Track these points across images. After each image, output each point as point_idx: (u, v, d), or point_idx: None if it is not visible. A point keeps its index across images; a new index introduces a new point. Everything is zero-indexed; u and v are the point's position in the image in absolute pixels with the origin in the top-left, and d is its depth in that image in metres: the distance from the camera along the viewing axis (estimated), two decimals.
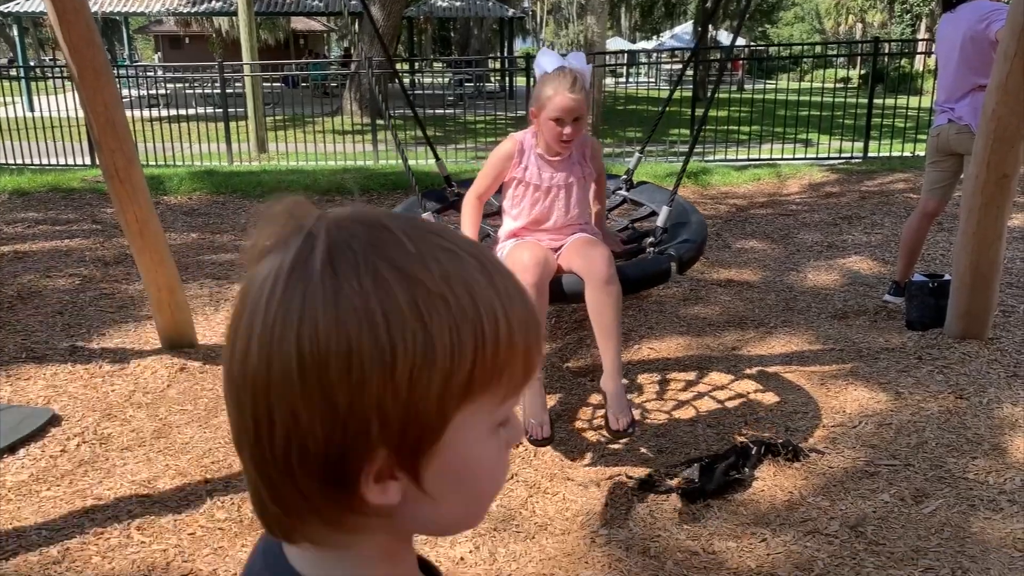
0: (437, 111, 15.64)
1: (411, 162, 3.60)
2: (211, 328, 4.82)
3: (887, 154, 10.26)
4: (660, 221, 3.63)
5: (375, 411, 0.54)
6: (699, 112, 11.48)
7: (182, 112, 13.04)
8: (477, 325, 0.56)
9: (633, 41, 44.53)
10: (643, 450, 3.47)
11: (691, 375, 4.16)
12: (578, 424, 3.70)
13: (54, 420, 3.73)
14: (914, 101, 12.71)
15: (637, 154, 4.24)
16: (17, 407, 3.81)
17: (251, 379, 0.56)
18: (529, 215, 3.45)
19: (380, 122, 11.49)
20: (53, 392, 4.02)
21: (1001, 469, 3.20)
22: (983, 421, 3.56)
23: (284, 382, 0.55)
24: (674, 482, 3.15)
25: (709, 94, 3.97)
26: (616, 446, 3.48)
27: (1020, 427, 3.50)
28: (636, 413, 3.76)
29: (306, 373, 0.54)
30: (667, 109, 4.63)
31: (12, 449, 3.48)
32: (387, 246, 0.56)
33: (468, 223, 3.40)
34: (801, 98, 13.80)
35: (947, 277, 4.53)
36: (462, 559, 2.81)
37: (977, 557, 2.72)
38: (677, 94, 5.71)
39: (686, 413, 3.78)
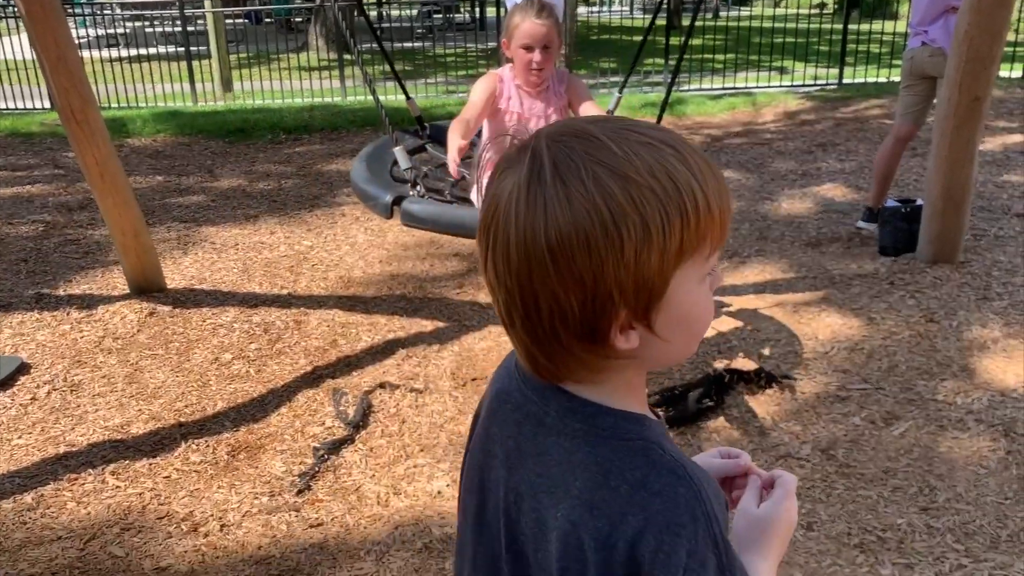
0: (406, 44, 15.30)
1: (380, 98, 3.50)
2: (180, 272, 4.75)
3: (862, 80, 10.19)
4: None
5: (614, 283, 0.72)
6: (674, 41, 11.30)
7: (143, 52, 12.65)
8: (681, 204, 0.72)
9: None
10: None
11: None
12: None
13: (23, 368, 3.68)
14: (889, 26, 12.59)
15: (616, 94, 4.14)
16: None
17: (515, 272, 0.74)
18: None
19: (348, 57, 11.23)
20: (21, 340, 3.96)
21: (969, 390, 3.24)
22: (952, 344, 3.59)
23: (542, 270, 0.72)
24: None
25: (688, 23, 3.88)
26: None
27: (988, 349, 3.54)
28: None
29: (558, 262, 0.71)
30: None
31: None
32: (599, 152, 0.72)
33: (453, 136, 3.25)
34: (776, 25, 13.63)
35: (919, 202, 4.53)
36: (439, 492, 2.83)
37: (944, 475, 2.77)
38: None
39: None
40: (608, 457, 0.77)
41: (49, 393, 3.50)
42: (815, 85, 10.28)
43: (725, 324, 3.93)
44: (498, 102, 3.32)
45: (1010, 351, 3.51)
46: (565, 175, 0.71)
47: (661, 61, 10.98)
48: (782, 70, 11.34)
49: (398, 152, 3.30)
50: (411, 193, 3.14)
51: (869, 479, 2.77)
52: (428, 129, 4.03)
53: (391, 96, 7.71)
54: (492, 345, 3.77)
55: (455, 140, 3.18)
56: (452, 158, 3.00)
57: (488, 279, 0.78)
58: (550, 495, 0.79)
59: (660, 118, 3.63)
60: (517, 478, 0.83)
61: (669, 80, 3.89)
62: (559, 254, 0.71)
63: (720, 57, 12.14)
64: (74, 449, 3.12)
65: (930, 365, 3.44)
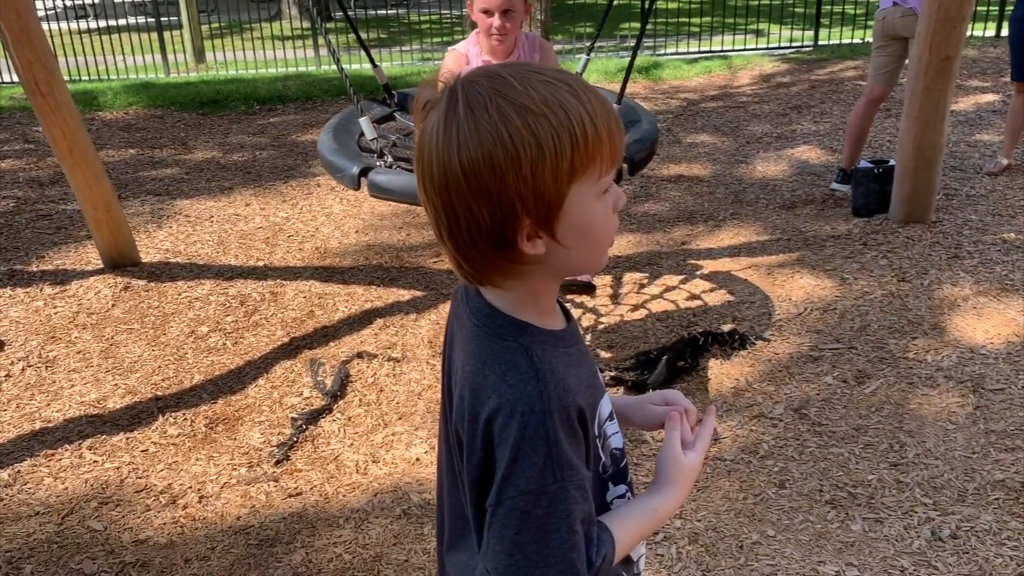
0: (380, 12, 15.11)
1: (354, 66, 3.48)
2: (154, 245, 4.72)
3: (837, 41, 10.18)
4: None
5: (516, 195, 0.87)
6: (659, 5, 11.21)
7: (112, 23, 12.43)
8: (571, 128, 0.86)
9: None
10: (594, 347, 3.50)
11: (642, 273, 4.18)
12: None
13: None
14: None
15: (584, 57, 4.11)
16: None
17: (438, 191, 0.89)
18: None
19: (324, 24, 11.07)
20: None
21: (939, 347, 3.29)
22: (924, 302, 3.64)
23: (457, 187, 0.87)
24: (623, 375, 3.19)
25: None
26: None
27: (958, 306, 3.59)
28: (590, 318, 3.79)
29: (468, 179, 0.87)
30: (615, 2, 4.50)
31: None
32: (503, 88, 0.87)
33: None
34: None
35: (892, 163, 4.55)
36: (418, 459, 2.85)
37: (914, 431, 2.82)
38: None
39: (636, 310, 3.82)
40: (487, 351, 0.95)
41: (24, 370, 3.48)
42: (791, 47, 10.26)
43: (700, 287, 3.96)
44: None
45: (980, 309, 3.56)
46: (475, 108, 0.86)
47: (638, 25, 10.91)
48: (758, 32, 11.30)
49: (364, 123, 3.28)
50: (378, 164, 3.12)
51: (841, 437, 2.82)
52: (396, 97, 3.99)
53: (365, 65, 7.62)
54: None
55: None
56: None
57: (421, 200, 0.93)
58: (459, 375, 0.98)
59: (626, 80, 3.60)
60: (450, 363, 1.04)
61: (635, 42, 3.86)
62: (470, 173, 0.86)
63: (696, 20, 12.07)
64: (50, 425, 3.11)
65: (901, 324, 3.48)
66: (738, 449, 2.79)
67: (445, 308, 3.87)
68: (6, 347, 3.65)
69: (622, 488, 1.07)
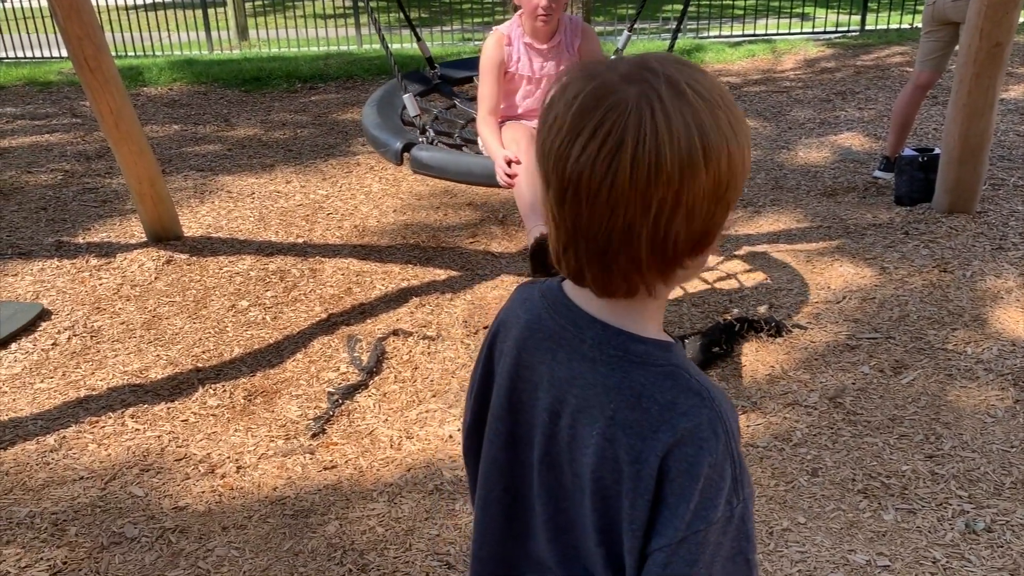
0: None
1: (396, 46, 3.50)
2: (196, 220, 4.80)
3: (884, 26, 9.98)
4: None
5: (736, 194, 0.81)
6: None
7: (158, 0, 12.59)
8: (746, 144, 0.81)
9: None
10: None
11: None
12: None
13: (44, 315, 3.75)
14: None
15: (626, 32, 4.09)
16: (7, 303, 3.82)
17: (655, 181, 0.78)
18: (520, 107, 3.39)
19: (370, 2, 11.11)
20: (41, 287, 4.03)
21: (980, 339, 3.24)
22: (965, 294, 3.58)
23: (693, 174, 0.79)
24: None
25: None
26: None
27: (1001, 298, 3.53)
28: None
29: (706, 170, 0.79)
30: None
31: (4, 344, 3.51)
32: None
33: (492, 139, 3.21)
34: None
35: (937, 151, 4.47)
36: (451, 436, 2.88)
37: (951, 424, 2.79)
38: None
39: (673, 293, 3.79)
40: (640, 382, 0.85)
41: (70, 339, 3.57)
42: (836, 32, 10.08)
43: (737, 272, 3.94)
44: (507, 66, 3.27)
45: None
46: (702, 96, 0.79)
47: (680, 7, 10.79)
48: (803, 16, 11.11)
49: (407, 99, 3.30)
50: (420, 140, 3.14)
51: (876, 427, 2.80)
52: (438, 69, 4.01)
53: (407, 43, 7.64)
54: (504, 294, 3.79)
55: (494, 143, 3.13)
56: (501, 166, 2.98)
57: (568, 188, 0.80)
58: (586, 415, 0.87)
59: None
60: (551, 400, 0.92)
61: (676, 23, 3.83)
62: (711, 164, 0.78)
63: (740, 3, 11.90)
64: (94, 393, 3.19)
65: (942, 315, 3.43)
66: (771, 436, 2.78)
67: (480, 288, 3.89)
68: (53, 316, 3.75)
69: None
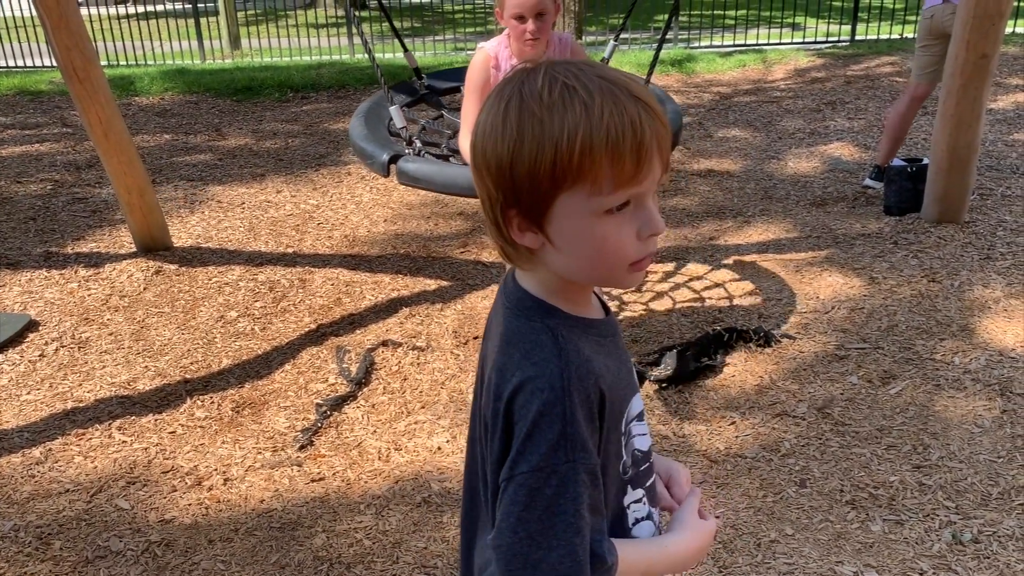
0: (414, 0, 15.14)
1: (387, 55, 3.50)
2: (186, 230, 4.79)
3: (875, 36, 10.04)
4: None
5: (501, 186, 0.91)
6: None
7: (151, 9, 12.58)
8: (557, 140, 0.87)
9: None
10: None
11: (668, 266, 4.17)
12: None
13: (31, 326, 3.74)
14: None
15: (612, 42, 4.10)
16: None
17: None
18: None
19: (357, 14, 11.12)
20: (29, 298, 4.02)
21: (967, 349, 3.25)
22: (953, 304, 3.60)
23: (475, 166, 0.95)
24: (645, 371, 3.19)
25: None
26: None
27: (989, 308, 3.55)
28: (612, 305, 3.79)
29: (479, 160, 0.93)
30: None
31: None
32: (531, 84, 0.90)
33: None
34: None
35: (926, 161, 4.49)
36: (439, 448, 2.88)
37: (938, 434, 2.79)
38: None
39: (662, 304, 3.81)
40: (514, 330, 0.97)
41: (57, 350, 3.56)
42: (827, 42, 10.13)
43: (727, 282, 3.94)
44: (493, 87, 3.27)
45: (1011, 311, 3.51)
46: (510, 96, 0.91)
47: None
48: (794, 26, 11.17)
49: (393, 111, 3.30)
50: (407, 151, 3.14)
51: (863, 437, 2.80)
52: (425, 79, 4.01)
53: (398, 54, 7.64)
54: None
55: None
56: None
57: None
58: (489, 360, 1.00)
59: (652, 67, 3.60)
60: (485, 353, 1.06)
61: (661, 34, 3.86)
62: (479, 155, 0.93)
63: (732, 13, 11.96)
64: (81, 405, 3.18)
65: (930, 325, 3.44)
66: (759, 447, 2.78)
67: (471, 299, 3.89)
68: (41, 327, 3.73)
69: (639, 493, 1.06)
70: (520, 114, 0.89)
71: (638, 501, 1.05)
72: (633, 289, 3.96)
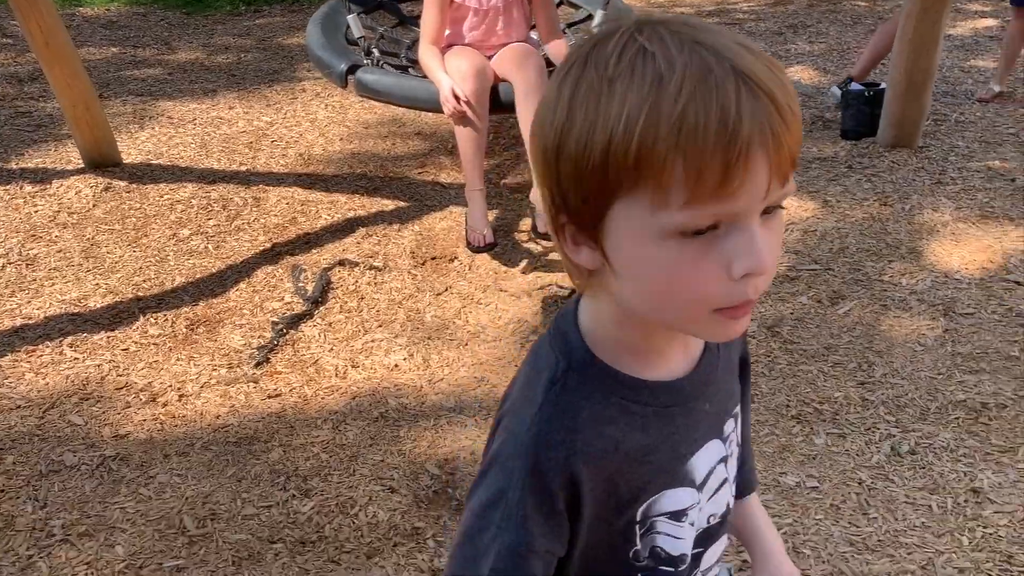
0: None
1: None
2: (136, 146, 4.66)
3: None
4: (594, 26, 3.52)
5: (547, 182, 0.71)
6: None
7: None
8: (612, 128, 0.63)
9: None
10: (542, 270, 3.51)
11: None
12: (513, 239, 3.73)
13: None
14: None
15: None
16: None
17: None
18: (466, 38, 3.33)
19: None
20: None
21: (915, 271, 3.33)
22: (903, 227, 3.66)
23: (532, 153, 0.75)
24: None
25: None
26: (550, 257, 3.53)
27: (937, 231, 3.62)
28: (539, 245, 3.79)
29: (534, 147, 0.73)
30: None
31: None
32: (599, 53, 0.68)
33: (435, 67, 3.16)
34: None
35: (883, 86, 4.51)
36: (396, 366, 2.90)
37: (883, 352, 2.88)
38: None
39: None
40: (534, 348, 0.82)
41: (4, 267, 3.48)
42: None
43: None
44: None
45: (958, 234, 3.58)
46: (574, 64, 0.70)
47: None
48: None
49: (351, 20, 3.21)
50: (365, 62, 3.07)
51: (811, 355, 2.88)
52: None
53: None
54: (452, 225, 3.78)
55: (438, 72, 3.09)
56: (446, 95, 2.95)
57: None
58: None
59: None
60: None
61: None
62: (535, 140, 0.73)
63: None
64: (31, 322, 3.13)
65: (880, 247, 3.51)
66: None
67: (428, 220, 3.86)
68: None
69: None
70: (576, 87, 0.67)
71: None
72: None
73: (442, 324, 3.12)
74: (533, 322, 3.12)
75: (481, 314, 3.18)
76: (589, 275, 0.74)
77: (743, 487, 1.01)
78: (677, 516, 0.82)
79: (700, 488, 0.83)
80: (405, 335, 3.04)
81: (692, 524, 0.83)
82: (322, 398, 2.74)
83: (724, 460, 0.86)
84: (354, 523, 2.25)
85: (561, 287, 3.29)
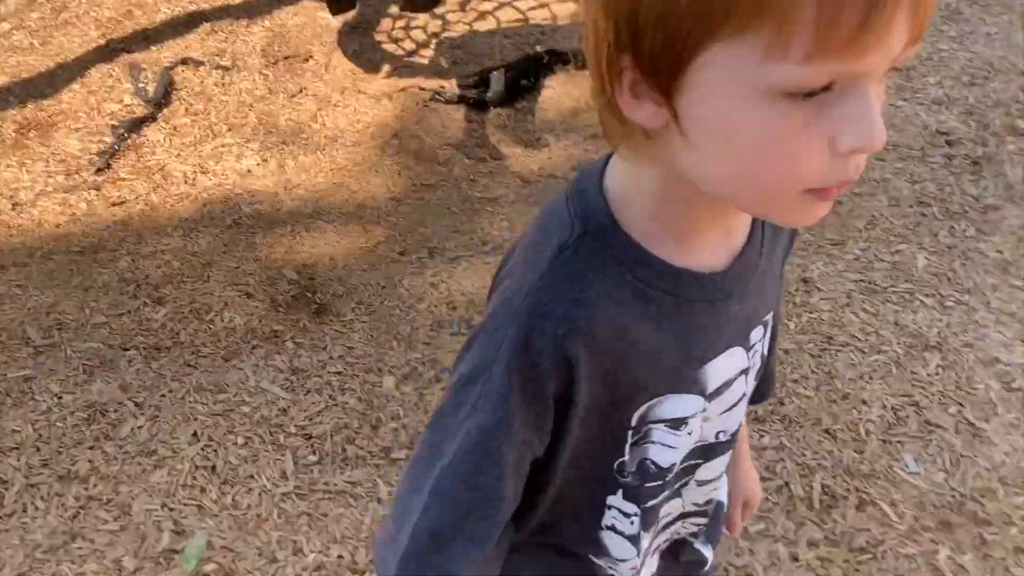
0: None
1: None
2: None
3: None
4: None
5: (611, 11, 0.54)
6: None
7: None
8: None
9: None
10: (439, 62, 3.40)
11: None
12: (372, 38, 3.54)
13: None
14: None
15: None
16: None
17: None
18: None
19: None
20: None
21: None
22: None
23: None
24: (466, 92, 3.15)
25: None
26: (412, 59, 3.39)
27: None
28: (436, 24, 3.64)
29: None
30: None
31: None
32: None
33: None
34: None
35: None
36: (249, 171, 2.79)
37: None
38: None
39: (486, 24, 3.68)
40: (545, 209, 0.70)
41: None
42: None
43: (552, 2, 3.84)
44: None
45: None
46: None
47: None
48: None
49: None
50: None
51: None
52: None
53: None
54: (306, 21, 3.55)
55: None
56: None
57: None
58: None
59: None
60: None
61: None
62: None
63: None
64: None
65: None
66: (571, 169, 2.87)
67: (280, 15, 3.61)
68: None
69: (632, 507, 0.77)
70: None
71: (628, 515, 0.78)
72: (456, 8, 3.79)
73: (297, 128, 2.99)
74: (394, 126, 3.03)
75: (339, 117, 3.06)
76: (645, 137, 0.59)
77: (756, 396, 0.90)
78: (676, 424, 0.72)
79: (710, 398, 0.73)
80: (257, 139, 2.91)
81: (691, 434, 0.74)
82: (171, 205, 2.62)
83: (745, 372, 0.76)
84: (210, 328, 2.22)
85: (423, 89, 3.19)
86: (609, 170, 0.67)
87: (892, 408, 1.99)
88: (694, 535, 0.88)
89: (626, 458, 0.72)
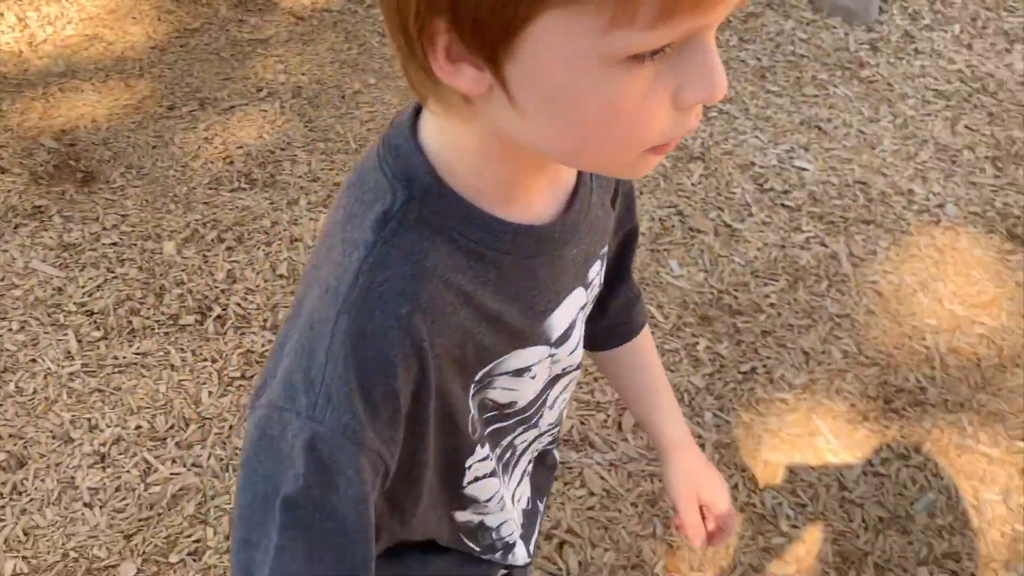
0: None
1: None
2: None
3: None
4: None
5: None
6: None
7: None
8: None
9: None
10: None
11: None
12: None
13: None
14: None
15: None
16: None
17: None
18: None
19: None
20: None
21: None
22: None
23: None
24: None
25: None
26: None
27: None
28: None
29: None
30: None
31: None
32: None
33: None
34: None
35: None
36: None
37: None
38: None
39: None
40: (353, 178, 0.61)
41: None
42: None
43: None
44: None
45: None
46: None
47: None
48: None
49: None
50: None
51: None
52: None
53: None
54: None
55: None
56: None
57: None
58: None
59: None
60: None
61: None
62: None
63: None
64: None
65: None
66: (346, 3, 2.75)
67: None
68: None
69: (485, 452, 0.72)
70: None
71: (483, 460, 0.73)
72: None
73: None
74: None
75: None
76: (463, 100, 0.52)
77: (630, 329, 0.87)
78: (520, 372, 0.68)
79: (556, 344, 0.70)
80: None
81: (534, 378, 0.70)
82: None
83: (583, 308, 0.73)
84: None
85: None
86: (423, 123, 0.60)
87: (660, 219, 2.15)
88: (552, 443, 0.86)
89: (473, 412, 0.67)
